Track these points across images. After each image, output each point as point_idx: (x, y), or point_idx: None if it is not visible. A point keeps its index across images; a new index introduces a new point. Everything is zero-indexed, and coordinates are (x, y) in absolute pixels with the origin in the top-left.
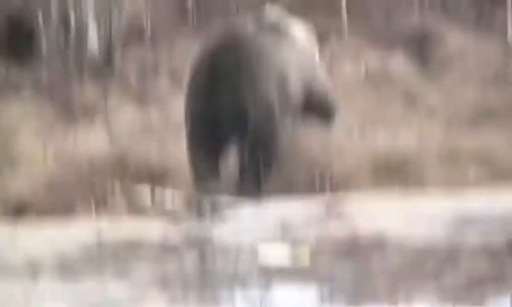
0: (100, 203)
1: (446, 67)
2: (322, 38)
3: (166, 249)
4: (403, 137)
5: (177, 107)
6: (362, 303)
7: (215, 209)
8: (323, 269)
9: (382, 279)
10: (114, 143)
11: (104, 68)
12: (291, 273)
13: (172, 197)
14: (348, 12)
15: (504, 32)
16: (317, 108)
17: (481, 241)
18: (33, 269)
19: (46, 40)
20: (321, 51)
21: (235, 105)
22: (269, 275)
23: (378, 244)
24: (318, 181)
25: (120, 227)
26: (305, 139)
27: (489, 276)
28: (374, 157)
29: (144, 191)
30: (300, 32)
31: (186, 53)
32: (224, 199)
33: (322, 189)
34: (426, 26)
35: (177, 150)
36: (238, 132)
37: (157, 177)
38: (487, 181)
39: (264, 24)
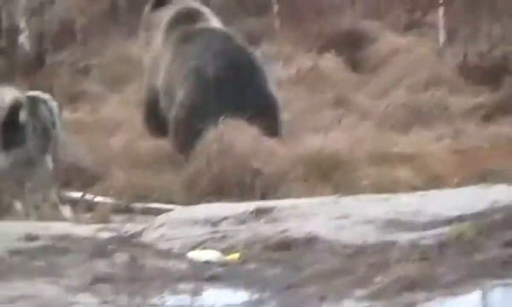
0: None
1: (378, 69)
2: (254, 40)
3: (96, 253)
4: (335, 139)
5: (108, 109)
6: None
7: None
8: (254, 273)
9: (313, 283)
10: None
11: (35, 68)
12: (222, 278)
13: (103, 200)
14: (280, 15)
15: (436, 37)
16: None
17: (411, 245)
18: None
19: None
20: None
21: None
22: (200, 280)
23: (309, 248)
24: (249, 184)
25: (50, 230)
26: (235, 141)
27: (420, 280)
28: (306, 160)
29: (75, 194)
30: None
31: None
32: None
33: (253, 192)
34: (358, 29)
35: (108, 153)
36: None
37: (88, 180)
38: (418, 184)
39: None
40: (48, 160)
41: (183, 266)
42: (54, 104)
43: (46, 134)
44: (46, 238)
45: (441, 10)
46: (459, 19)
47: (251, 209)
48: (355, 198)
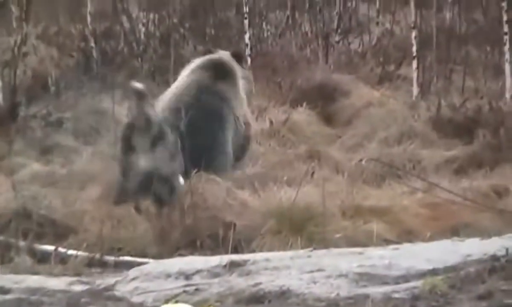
0: (5, 258)
1: (351, 123)
2: None
3: (70, 306)
4: (308, 192)
5: (81, 161)
6: None
7: None
8: None
9: None
10: (18, 197)
11: (8, 120)
12: None
13: (76, 253)
14: (253, 68)
15: (409, 91)
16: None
17: (384, 298)
18: None
19: None
20: None
21: None
22: None
23: (282, 301)
24: (222, 237)
25: (23, 283)
26: (208, 194)
27: None
28: (279, 213)
29: (47, 248)
30: None
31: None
32: None
33: (226, 245)
34: (331, 82)
35: (81, 206)
36: None
37: (61, 233)
38: (391, 237)
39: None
40: None
41: None
42: None
43: None
44: (19, 291)
45: (414, 64)
46: (432, 73)
47: (224, 263)
48: (328, 252)
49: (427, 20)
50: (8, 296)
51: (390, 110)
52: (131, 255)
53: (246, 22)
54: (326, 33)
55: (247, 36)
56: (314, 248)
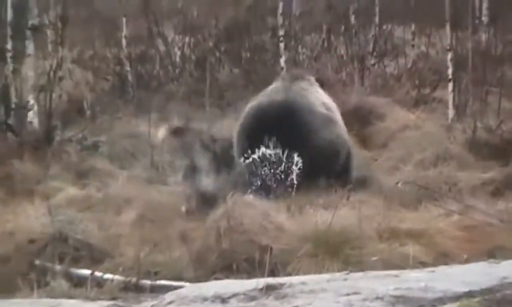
0: (41, 282)
1: (387, 145)
2: None
3: None
4: (344, 215)
5: (117, 185)
6: None
7: None
8: None
9: None
10: (54, 222)
11: (44, 144)
12: None
13: (112, 277)
14: None
15: (445, 113)
16: None
17: None
18: None
19: None
20: None
21: None
22: None
23: None
24: (258, 261)
25: None
26: (245, 217)
27: None
28: (315, 236)
29: (84, 272)
30: None
31: (126, 131)
32: None
33: (262, 269)
34: (367, 105)
35: (117, 230)
36: None
37: (97, 257)
38: (427, 260)
39: None
40: None
41: None
42: None
43: None
44: None
45: (450, 86)
46: (468, 95)
47: (261, 286)
48: (364, 275)
49: (463, 42)
50: None
51: (426, 132)
52: (168, 279)
53: (281, 45)
54: (361, 56)
55: (282, 60)
56: (350, 271)
